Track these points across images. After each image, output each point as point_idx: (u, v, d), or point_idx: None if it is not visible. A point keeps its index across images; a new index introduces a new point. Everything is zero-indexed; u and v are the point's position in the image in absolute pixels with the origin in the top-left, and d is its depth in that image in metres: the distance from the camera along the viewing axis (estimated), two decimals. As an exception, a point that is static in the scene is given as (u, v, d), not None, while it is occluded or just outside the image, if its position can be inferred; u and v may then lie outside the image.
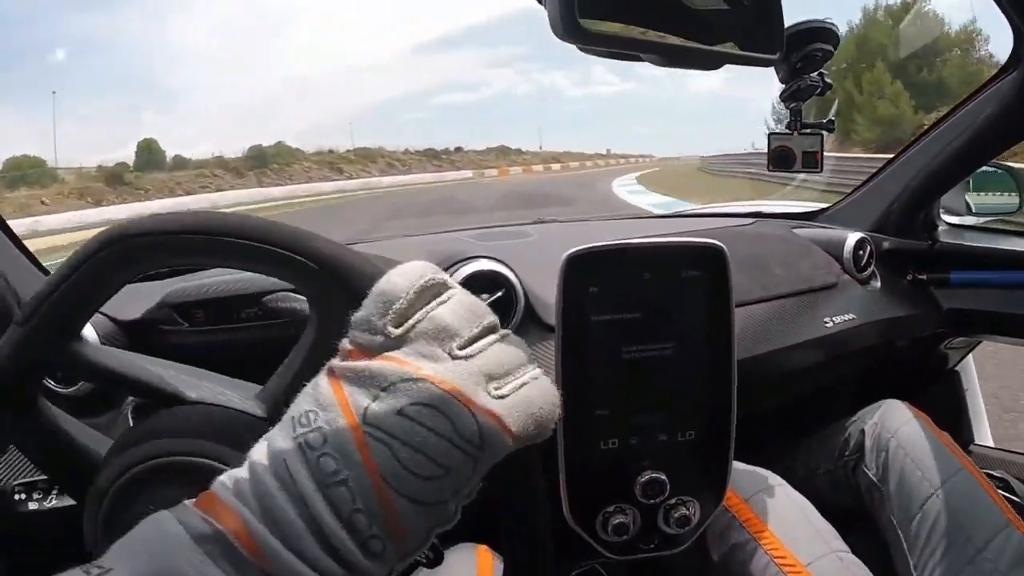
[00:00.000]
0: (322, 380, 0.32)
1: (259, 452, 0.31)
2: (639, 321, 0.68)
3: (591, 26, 0.55)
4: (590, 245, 0.65)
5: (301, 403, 0.32)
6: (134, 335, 0.91)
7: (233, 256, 0.45)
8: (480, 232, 1.25)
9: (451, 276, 0.88)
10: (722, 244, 0.69)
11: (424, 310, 0.34)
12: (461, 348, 0.33)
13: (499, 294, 0.90)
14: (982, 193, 1.49)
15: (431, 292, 0.34)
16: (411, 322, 0.33)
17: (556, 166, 46.15)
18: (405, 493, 0.30)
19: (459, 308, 0.35)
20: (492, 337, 0.35)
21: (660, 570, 0.87)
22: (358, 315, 0.34)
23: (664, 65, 0.63)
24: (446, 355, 0.33)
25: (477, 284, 0.89)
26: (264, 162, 37.75)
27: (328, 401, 0.31)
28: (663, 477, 0.71)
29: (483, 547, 0.79)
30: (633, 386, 0.69)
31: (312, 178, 36.29)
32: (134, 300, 0.92)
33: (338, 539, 0.29)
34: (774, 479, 0.92)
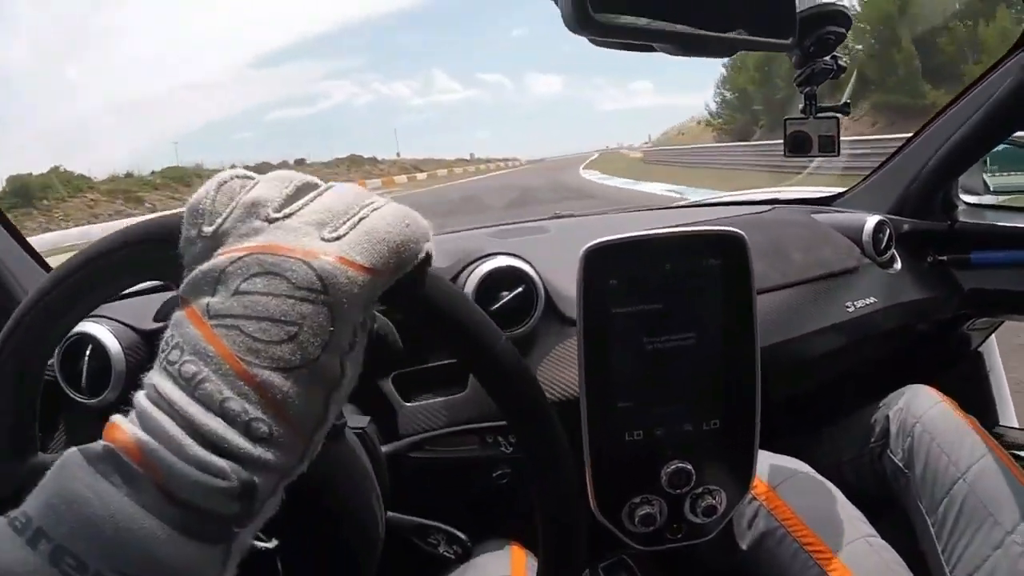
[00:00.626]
0: (177, 310, 0.32)
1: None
2: (661, 312, 0.68)
3: (605, 19, 0.55)
4: (608, 238, 0.65)
5: (164, 336, 0.32)
6: (156, 344, 0.90)
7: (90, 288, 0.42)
8: (496, 230, 1.25)
9: (468, 275, 0.89)
10: (742, 231, 0.69)
11: (233, 202, 0.33)
12: (277, 211, 0.33)
13: (519, 290, 0.90)
14: (1000, 172, 1.47)
15: (234, 186, 0.34)
16: (223, 216, 0.33)
17: (421, 175, 38.95)
18: (267, 364, 0.30)
19: (265, 182, 0.34)
20: (312, 193, 0.34)
21: (688, 561, 0.87)
22: (181, 243, 0.34)
23: (679, 54, 0.63)
24: (264, 223, 0.32)
25: (496, 281, 0.89)
26: (28, 199, 25.82)
27: (179, 319, 0.31)
28: (689, 467, 0.71)
29: (516, 544, 0.79)
30: (656, 377, 0.69)
31: (98, 215, 25.36)
32: (152, 308, 0.91)
33: (215, 434, 0.29)
34: (801, 466, 0.92)
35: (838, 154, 0.98)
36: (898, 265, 1.27)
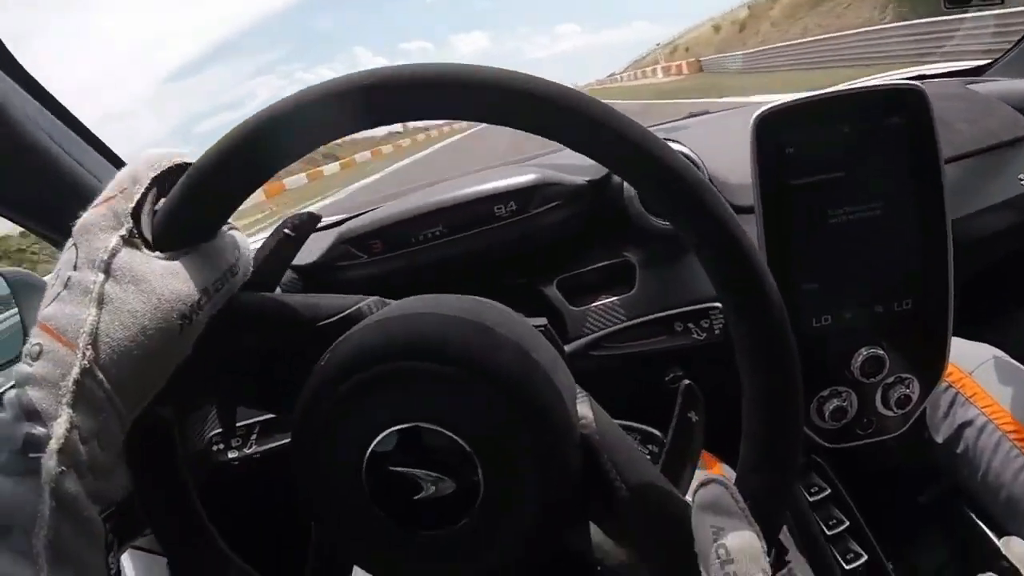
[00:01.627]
0: None
1: None
2: (842, 181, 0.61)
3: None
4: (781, 100, 0.59)
5: None
6: (309, 278, 0.90)
7: None
8: None
9: None
10: (921, 85, 0.61)
11: None
12: None
13: None
14: None
15: None
16: None
17: (332, 165, 29.02)
18: (47, 303, 0.36)
19: None
20: None
21: (878, 459, 0.81)
22: None
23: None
24: None
25: None
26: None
27: None
28: (881, 353, 0.65)
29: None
30: (842, 254, 0.63)
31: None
32: (310, 244, 0.88)
33: (15, 370, 0.34)
34: (994, 351, 0.83)
35: (1002, 1, 0.86)
36: (1066, 132, 1.13)
